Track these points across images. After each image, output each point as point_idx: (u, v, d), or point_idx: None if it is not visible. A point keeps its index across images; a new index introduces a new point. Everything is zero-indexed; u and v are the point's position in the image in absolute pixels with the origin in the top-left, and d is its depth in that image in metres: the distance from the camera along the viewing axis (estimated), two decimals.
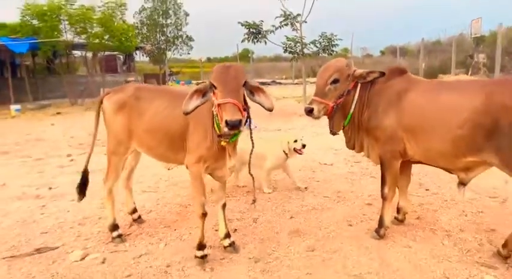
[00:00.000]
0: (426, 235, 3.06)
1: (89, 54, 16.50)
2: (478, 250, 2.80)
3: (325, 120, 3.10)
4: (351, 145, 3.13)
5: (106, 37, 13.87)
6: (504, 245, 2.66)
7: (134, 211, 3.56)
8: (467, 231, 3.10)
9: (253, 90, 2.46)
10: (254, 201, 2.92)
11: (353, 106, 2.90)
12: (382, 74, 2.75)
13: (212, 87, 2.34)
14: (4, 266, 2.89)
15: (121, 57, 22.22)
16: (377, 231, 3.02)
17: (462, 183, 2.68)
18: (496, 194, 3.84)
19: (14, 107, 12.15)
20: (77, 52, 15.95)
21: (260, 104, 2.48)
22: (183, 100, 2.44)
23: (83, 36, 13.64)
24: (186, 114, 2.40)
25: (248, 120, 2.52)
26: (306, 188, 4.24)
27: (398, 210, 3.23)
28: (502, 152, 2.27)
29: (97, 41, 13.65)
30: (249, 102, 2.50)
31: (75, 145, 7.62)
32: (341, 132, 3.12)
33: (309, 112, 2.89)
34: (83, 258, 2.93)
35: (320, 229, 3.24)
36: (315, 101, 2.89)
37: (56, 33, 12.91)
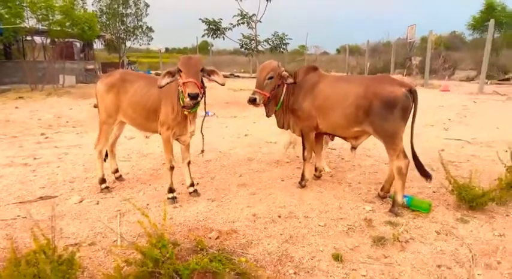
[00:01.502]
0: (334, 186, 4.31)
1: (45, 41, 16.47)
2: (366, 194, 4.08)
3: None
4: (280, 124, 4.23)
5: (67, 24, 14.14)
6: (381, 189, 3.95)
7: (116, 171, 4.52)
8: (363, 183, 4.38)
9: (209, 73, 3.48)
10: (202, 151, 3.98)
11: (283, 95, 3.99)
12: (294, 83, 3.83)
13: (179, 71, 3.31)
14: (16, 209, 3.75)
15: (78, 44, 22.11)
16: (300, 183, 4.22)
17: (353, 147, 3.93)
18: None
19: None
20: (37, 39, 15.94)
21: (215, 81, 3.51)
22: (155, 83, 3.49)
23: (45, 23, 13.82)
24: (160, 87, 3.38)
25: (204, 105, 3.57)
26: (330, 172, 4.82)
27: (316, 169, 4.45)
28: (374, 123, 3.50)
29: (58, 28, 13.90)
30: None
31: (45, 126, 8.25)
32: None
33: (253, 101, 3.74)
34: (80, 202, 3.87)
35: (260, 182, 4.39)
36: (256, 92, 3.76)
37: (18, 19, 13.04)
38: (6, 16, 13.12)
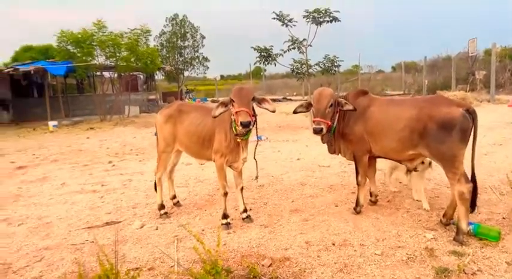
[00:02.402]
0: (391, 211, 4.13)
1: (112, 75, 17.92)
2: (427, 220, 3.85)
3: None
4: (332, 150, 4.16)
5: (132, 59, 15.38)
6: (444, 215, 3.71)
7: (174, 197, 4.73)
8: (422, 209, 4.14)
9: (260, 101, 3.64)
10: (257, 177, 4.09)
11: (335, 122, 3.92)
12: (354, 109, 3.71)
13: (231, 101, 3.50)
14: (85, 233, 4.05)
15: (141, 76, 23.85)
16: (354, 208, 4.10)
17: (409, 170, 3.77)
18: None
19: (51, 123, 13.63)
20: (106, 73, 17.49)
21: (266, 109, 3.66)
22: (210, 113, 3.69)
23: (112, 59, 15.15)
24: (214, 117, 3.58)
25: (256, 131, 3.70)
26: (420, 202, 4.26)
27: (370, 194, 4.31)
28: (430, 146, 3.34)
29: (124, 63, 15.16)
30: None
31: (112, 154, 8.89)
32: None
33: (320, 131, 3.60)
34: (141, 227, 4.09)
35: (313, 208, 4.34)
36: (321, 122, 3.61)
37: (89, 57, 14.47)
38: (79, 55, 14.67)
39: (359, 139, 3.82)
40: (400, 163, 3.84)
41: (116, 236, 3.60)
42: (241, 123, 3.33)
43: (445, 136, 3.24)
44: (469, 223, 3.36)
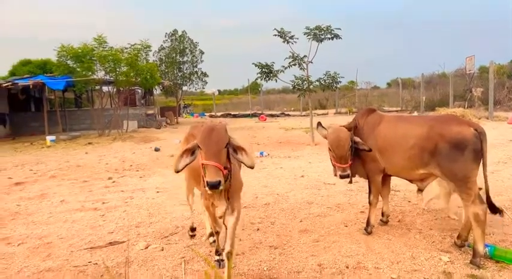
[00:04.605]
0: (403, 232, 4.03)
1: (111, 90, 17.83)
2: (440, 242, 3.76)
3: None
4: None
5: (132, 74, 15.36)
6: (458, 237, 3.63)
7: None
8: (435, 230, 4.06)
9: (236, 149, 2.76)
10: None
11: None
12: (370, 150, 3.68)
13: (199, 147, 2.66)
14: (87, 254, 3.91)
15: (139, 91, 23.82)
16: (365, 229, 4.01)
17: (420, 190, 3.71)
18: None
19: (49, 138, 13.47)
20: (104, 88, 17.44)
21: (241, 162, 2.80)
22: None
23: (112, 74, 15.13)
24: (177, 172, 2.78)
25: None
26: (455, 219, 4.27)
27: (382, 214, 4.22)
28: (441, 166, 3.28)
29: (124, 78, 15.14)
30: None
31: (111, 170, 8.74)
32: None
33: (347, 176, 3.73)
34: (146, 247, 3.96)
35: (323, 228, 4.24)
36: (346, 167, 3.70)
37: (89, 72, 14.45)
38: (79, 69, 14.63)
39: (371, 158, 3.76)
40: (412, 183, 3.77)
41: (126, 258, 3.47)
42: (207, 183, 2.52)
43: (457, 156, 3.18)
44: (485, 245, 3.27)
